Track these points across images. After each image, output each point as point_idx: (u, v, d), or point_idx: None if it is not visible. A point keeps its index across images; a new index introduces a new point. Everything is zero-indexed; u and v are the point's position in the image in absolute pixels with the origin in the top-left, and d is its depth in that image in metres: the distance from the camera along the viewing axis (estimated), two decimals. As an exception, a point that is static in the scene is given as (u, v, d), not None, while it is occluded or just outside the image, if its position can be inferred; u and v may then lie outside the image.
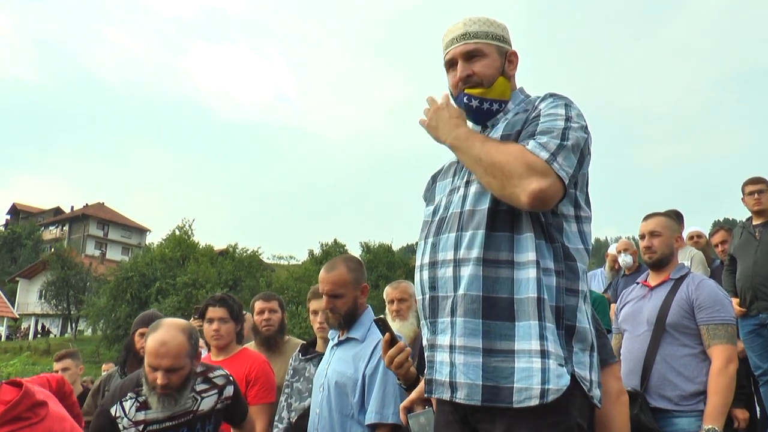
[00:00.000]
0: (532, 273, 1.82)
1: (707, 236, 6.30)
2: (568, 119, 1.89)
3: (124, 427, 2.86)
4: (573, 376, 1.78)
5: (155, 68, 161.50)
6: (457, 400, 1.86)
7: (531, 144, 1.81)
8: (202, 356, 4.08)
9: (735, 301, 5.06)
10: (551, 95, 2.01)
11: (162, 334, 2.80)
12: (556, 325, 1.81)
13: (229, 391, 3.08)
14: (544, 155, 1.78)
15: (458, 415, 1.92)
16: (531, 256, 1.83)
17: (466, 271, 1.87)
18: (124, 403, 2.90)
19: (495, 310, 1.82)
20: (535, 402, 1.73)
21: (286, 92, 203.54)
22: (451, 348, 1.88)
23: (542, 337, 1.77)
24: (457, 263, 1.90)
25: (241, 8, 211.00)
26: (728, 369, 3.11)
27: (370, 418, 2.85)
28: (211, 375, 3.06)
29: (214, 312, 3.79)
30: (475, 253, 1.87)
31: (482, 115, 2.09)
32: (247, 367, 3.69)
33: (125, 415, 2.87)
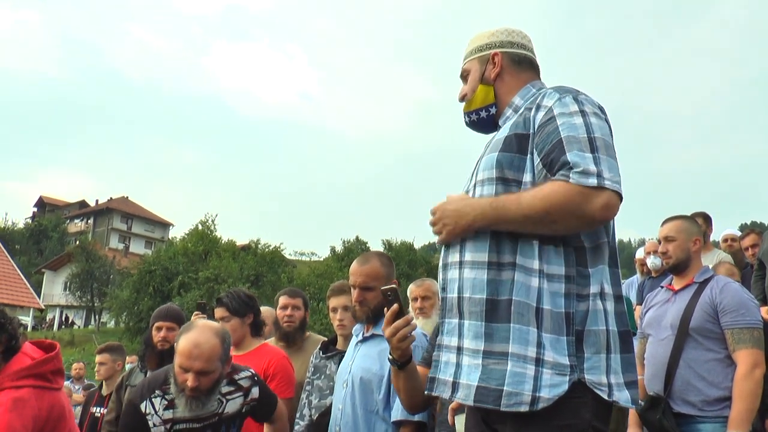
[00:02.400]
0: (534, 282, 1.80)
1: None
2: (583, 114, 1.84)
3: (154, 425, 2.82)
4: (583, 383, 1.75)
5: (178, 66, 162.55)
6: (456, 400, 1.88)
7: (573, 176, 1.73)
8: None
9: (764, 309, 4.96)
10: (555, 89, 1.96)
11: (196, 336, 2.74)
12: (566, 332, 1.77)
13: (255, 392, 3.02)
14: (593, 181, 1.72)
15: (479, 416, 1.93)
16: (535, 264, 1.81)
17: (470, 274, 1.88)
18: (153, 399, 2.86)
19: (496, 312, 1.81)
20: (524, 408, 1.72)
21: (308, 91, 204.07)
22: (459, 350, 1.89)
23: (539, 345, 1.76)
24: (462, 265, 1.91)
25: (263, 7, 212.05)
26: (754, 374, 3.06)
27: (396, 414, 2.84)
28: (236, 377, 3.00)
29: (216, 313, 3.81)
30: (479, 256, 1.87)
31: (477, 125, 2.21)
32: (266, 362, 3.69)
33: (155, 412, 2.84)
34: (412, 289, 4.20)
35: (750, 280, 5.40)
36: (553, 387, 1.72)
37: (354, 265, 3.04)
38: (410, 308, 4.21)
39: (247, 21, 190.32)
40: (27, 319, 46.44)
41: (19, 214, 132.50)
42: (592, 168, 1.74)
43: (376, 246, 47.18)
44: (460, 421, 2.43)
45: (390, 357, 2.41)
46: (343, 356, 3.25)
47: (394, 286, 2.31)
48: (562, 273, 1.81)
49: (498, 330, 1.80)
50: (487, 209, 1.84)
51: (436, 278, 3.33)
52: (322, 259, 50.80)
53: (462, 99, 2.22)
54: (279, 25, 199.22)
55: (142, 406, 2.85)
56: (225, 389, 2.93)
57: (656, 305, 3.52)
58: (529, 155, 1.89)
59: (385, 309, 2.28)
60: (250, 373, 3.06)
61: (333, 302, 3.79)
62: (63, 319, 52.57)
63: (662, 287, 3.60)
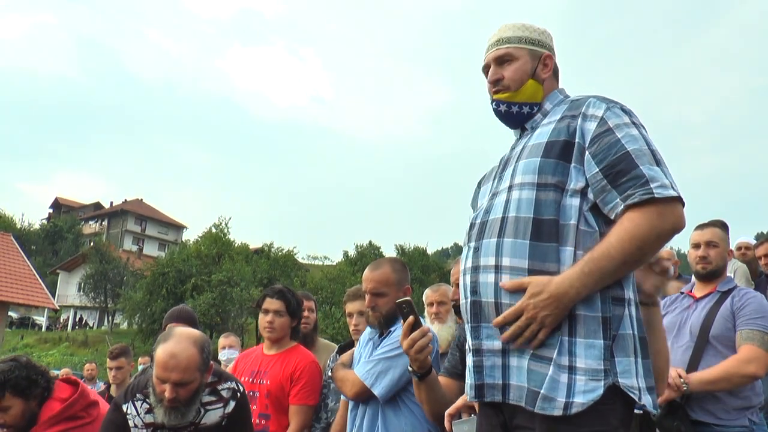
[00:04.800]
0: None
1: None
2: (637, 126, 1.89)
3: (136, 426, 2.78)
4: (616, 386, 1.75)
5: (193, 68, 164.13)
6: (510, 402, 1.86)
7: (657, 189, 1.77)
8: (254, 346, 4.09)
9: None
10: (597, 99, 1.96)
11: (172, 346, 2.64)
12: (602, 336, 1.78)
13: (230, 406, 2.88)
14: (673, 192, 1.79)
15: (499, 420, 1.91)
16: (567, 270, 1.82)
17: (509, 280, 1.86)
18: (135, 402, 2.81)
19: None
20: (557, 412, 1.72)
21: (321, 94, 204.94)
22: (504, 352, 1.87)
23: (571, 353, 1.77)
24: (499, 270, 1.89)
25: (278, 10, 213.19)
26: (747, 367, 3.00)
27: None
28: (219, 387, 2.89)
29: (270, 303, 3.67)
30: (518, 262, 1.85)
31: (512, 118, 2.12)
32: (294, 365, 3.59)
33: (137, 414, 2.79)
34: (428, 294, 4.19)
35: (764, 288, 5.33)
36: (588, 393, 1.73)
37: (366, 272, 3.06)
38: (425, 313, 4.20)
39: (261, 25, 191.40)
40: (41, 319, 46.96)
41: (35, 215, 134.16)
42: (667, 180, 1.80)
43: (389, 251, 47.26)
44: (457, 427, 2.40)
45: (410, 369, 2.41)
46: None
47: (408, 298, 2.31)
48: None
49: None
50: (586, 279, 1.76)
51: (449, 283, 3.33)
52: (335, 264, 50.95)
53: (496, 81, 2.12)
54: (293, 29, 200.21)
55: (125, 407, 2.81)
56: (206, 399, 2.83)
57: (675, 311, 3.48)
58: (574, 163, 1.89)
59: (402, 322, 2.28)
60: (233, 386, 2.95)
61: (349, 307, 3.81)
62: (77, 319, 52.92)
63: (682, 293, 3.57)
